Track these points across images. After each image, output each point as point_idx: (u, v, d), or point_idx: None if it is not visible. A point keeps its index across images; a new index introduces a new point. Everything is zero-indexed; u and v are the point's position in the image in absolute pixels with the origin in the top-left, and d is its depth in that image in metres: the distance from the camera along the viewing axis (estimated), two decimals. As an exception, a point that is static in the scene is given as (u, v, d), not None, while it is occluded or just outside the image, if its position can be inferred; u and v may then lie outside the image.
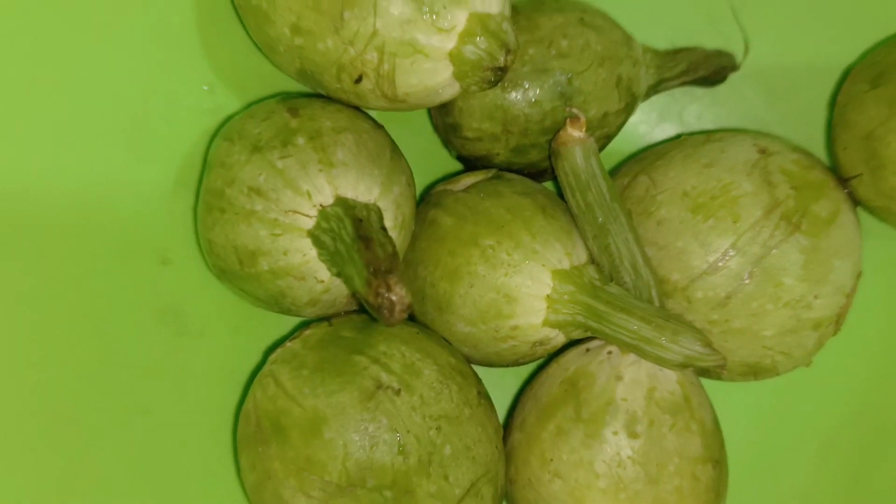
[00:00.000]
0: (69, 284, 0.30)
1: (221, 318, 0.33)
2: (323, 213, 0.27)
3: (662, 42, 0.36)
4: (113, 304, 0.31)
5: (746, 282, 0.30)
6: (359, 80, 0.28)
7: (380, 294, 0.24)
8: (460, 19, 0.27)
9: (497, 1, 0.28)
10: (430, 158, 0.37)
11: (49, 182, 0.31)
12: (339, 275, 0.27)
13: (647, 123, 0.38)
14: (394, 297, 0.24)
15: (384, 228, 0.27)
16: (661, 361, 0.29)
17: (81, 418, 0.29)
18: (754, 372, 0.32)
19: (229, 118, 0.33)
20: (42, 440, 0.29)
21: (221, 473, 0.31)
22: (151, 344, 0.32)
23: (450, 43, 0.27)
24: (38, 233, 0.30)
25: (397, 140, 0.32)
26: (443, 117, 0.34)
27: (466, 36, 0.27)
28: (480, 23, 0.27)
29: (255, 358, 0.33)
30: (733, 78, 0.37)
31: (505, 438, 0.32)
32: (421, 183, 0.36)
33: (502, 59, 0.27)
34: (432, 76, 0.28)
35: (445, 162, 0.37)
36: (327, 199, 0.28)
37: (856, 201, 0.32)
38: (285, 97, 0.31)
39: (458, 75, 0.28)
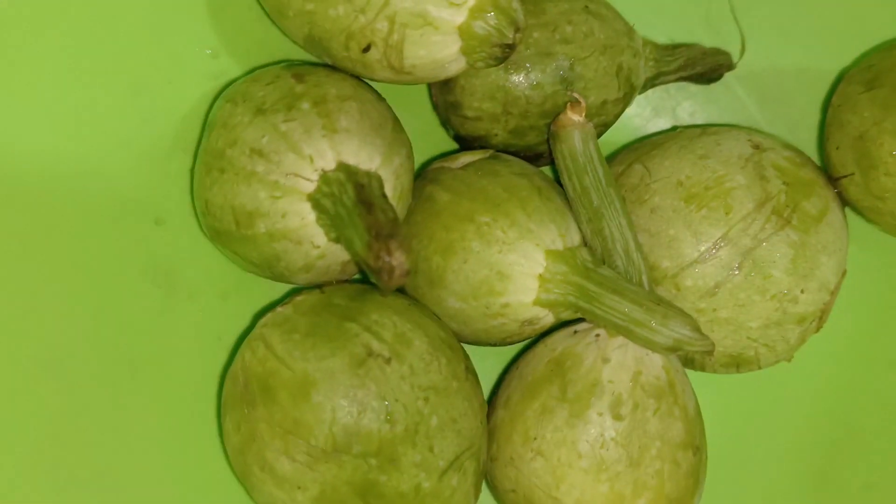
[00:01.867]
0: (62, 239, 0.31)
1: (212, 281, 0.33)
2: (325, 177, 0.27)
3: (661, 37, 0.37)
4: (105, 260, 0.32)
5: (735, 272, 0.31)
6: (367, 49, 0.28)
7: (381, 258, 0.24)
8: (472, -6, 0.27)
9: (508, -22, 0.28)
10: (426, 138, 0.37)
11: (45, 138, 0.31)
12: (337, 239, 0.28)
13: (642, 117, 0.39)
14: (394, 262, 0.24)
15: (385, 196, 0.27)
16: (650, 344, 0.29)
17: (68, 371, 0.30)
18: (737, 364, 0.33)
19: (231, 83, 0.33)
20: (30, 391, 0.29)
21: (204, 435, 0.31)
22: (142, 303, 0.32)
23: (460, 17, 0.28)
24: (33, 188, 0.31)
25: (396, 116, 0.33)
26: (444, 95, 0.34)
27: (477, 11, 0.27)
28: (491, -1, 0.27)
29: (244, 323, 0.33)
30: (728, 77, 0.37)
31: (488, 416, 0.32)
32: (419, 159, 0.36)
33: (511, 35, 0.28)
34: (440, 49, 0.28)
35: (442, 142, 0.37)
36: (329, 164, 0.28)
37: (844, 201, 0.33)
38: (291, 63, 0.32)
39: (466, 50, 0.28)
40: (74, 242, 0.31)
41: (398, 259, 0.24)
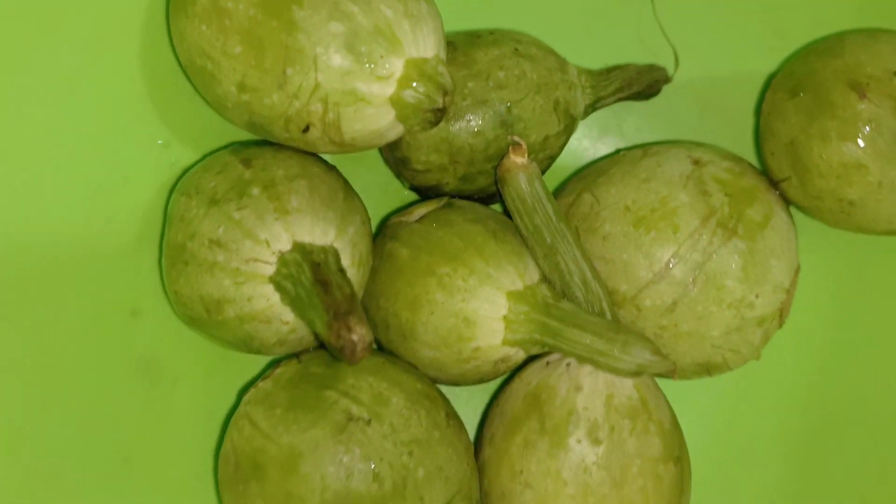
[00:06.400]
0: (44, 344, 0.32)
1: (195, 362, 0.34)
2: (282, 259, 0.29)
3: (596, 62, 0.37)
4: (88, 358, 0.33)
5: (691, 288, 0.32)
6: (306, 129, 0.29)
7: (341, 336, 0.26)
8: (397, 66, 0.28)
9: (431, 45, 0.29)
10: (385, 190, 0.38)
11: (14, 248, 0.32)
12: (302, 318, 0.29)
13: (590, 138, 0.40)
14: (355, 338, 0.26)
15: (342, 270, 0.28)
16: (615, 371, 0.30)
17: (63, 471, 0.31)
18: (707, 370, 0.34)
19: (186, 170, 0.34)
20: (26, 494, 0.30)
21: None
22: (129, 394, 0.33)
23: (389, 89, 0.29)
24: (7, 297, 0.32)
25: (351, 176, 0.34)
26: (392, 153, 0.35)
27: (405, 81, 0.29)
28: (417, 68, 0.29)
29: (231, 400, 0.34)
30: (667, 90, 0.38)
31: (476, 454, 0.33)
32: (378, 214, 0.38)
33: (440, 100, 0.29)
34: (376, 121, 0.29)
35: (400, 192, 0.38)
36: (285, 245, 0.29)
37: (788, 201, 0.34)
38: (238, 147, 0.33)
39: (401, 118, 0.29)
40: (54, 345, 0.32)
41: (359, 334, 0.26)
